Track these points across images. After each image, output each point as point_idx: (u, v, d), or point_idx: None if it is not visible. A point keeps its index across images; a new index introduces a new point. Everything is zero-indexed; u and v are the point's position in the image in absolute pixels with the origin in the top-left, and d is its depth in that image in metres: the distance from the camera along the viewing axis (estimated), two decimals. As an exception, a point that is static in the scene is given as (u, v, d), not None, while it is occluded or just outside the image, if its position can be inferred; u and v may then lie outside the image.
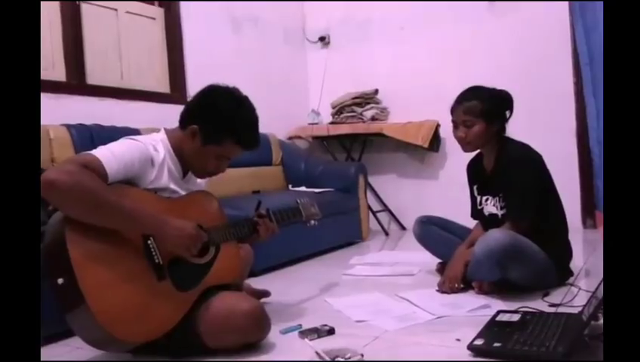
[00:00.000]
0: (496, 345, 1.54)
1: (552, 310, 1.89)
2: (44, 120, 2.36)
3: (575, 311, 1.75)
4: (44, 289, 1.34)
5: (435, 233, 2.63)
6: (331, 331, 1.81)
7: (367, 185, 4.13)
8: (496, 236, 2.11)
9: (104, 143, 1.58)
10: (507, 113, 2.32)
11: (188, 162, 1.77)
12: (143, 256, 1.54)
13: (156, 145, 1.68)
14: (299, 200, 2.15)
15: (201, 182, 1.91)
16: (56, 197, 1.41)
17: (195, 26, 3.68)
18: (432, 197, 4.23)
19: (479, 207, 2.43)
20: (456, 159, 4.11)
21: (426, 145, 4.08)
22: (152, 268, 1.54)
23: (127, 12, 3.35)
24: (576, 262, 2.47)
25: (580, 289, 2.10)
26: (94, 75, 3.12)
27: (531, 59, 3.88)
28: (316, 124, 4.53)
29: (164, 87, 3.56)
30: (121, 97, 3.19)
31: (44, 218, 1.70)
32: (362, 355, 1.51)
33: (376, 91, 4.44)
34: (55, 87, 2.85)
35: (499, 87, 2.35)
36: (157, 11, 3.55)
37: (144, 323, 1.50)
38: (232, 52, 3.98)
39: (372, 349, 1.64)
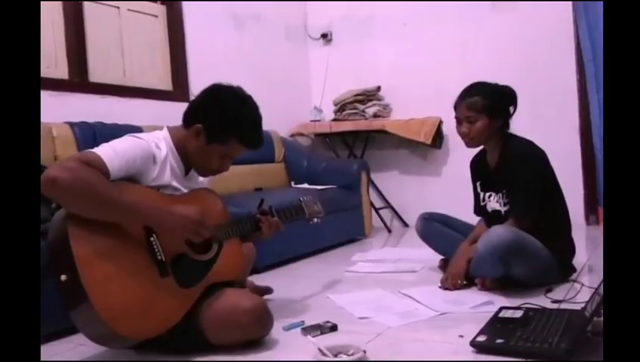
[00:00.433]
0: (498, 341, 1.54)
1: (555, 306, 1.89)
2: (47, 118, 2.37)
3: (578, 307, 1.74)
4: (47, 286, 1.35)
5: (437, 230, 2.63)
6: (334, 328, 1.81)
7: (370, 182, 4.13)
8: (499, 233, 2.11)
9: (107, 141, 1.59)
10: (511, 109, 2.32)
11: (191, 160, 1.77)
12: (145, 253, 1.54)
13: (159, 143, 1.68)
14: (302, 198, 2.15)
15: (203, 180, 1.91)
16: (58, 194, 1.42)
17: (197, 23, 3.67)
18: (435, 194, 4.22)
19: (482, 204, 2.43)
20: (459, 156, 4.11)
21: (428, 142, 4.08)
22: (155, 264, 1.55)
23: (129, 10, 3.35)
24: (579, 259, 2.46)
25: (582, 285, 2.10)
26: (97, 73, 3.12)
27: (534, 55, 3.87)
28: (318, 121, 4.53)
29: (166, 84, 3.56)
30: (124, 95, 3.19)
31: (47, 215, 1.71)
32: (365, 352, 1.50)
33: (379, 88, 4.44)
34: (57, 85, 2.85)
35: (502, 83, 2.35)
36: (159, 9, 3.55)
37: (147, 319, 1.51)
38: (234, 49, 3.98)
39: (375, 346, 1.64)
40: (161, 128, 1.79)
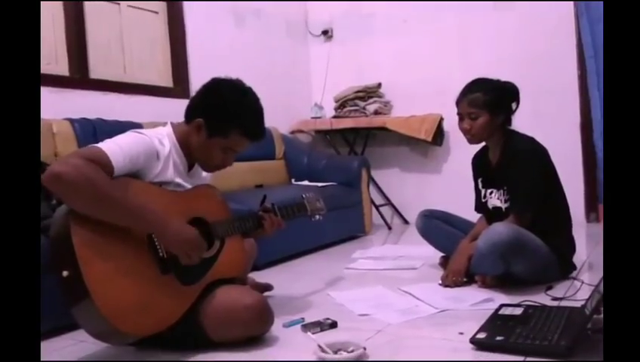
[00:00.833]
0: (498, 338, 1.54)
1: (555, 304, 1.90)
2: (47, 114, 2.37)
3: (578, 304, 1.74)
4: (47, 282, 1.35)
5: (438, 227, 2.63)
6: (334, 325, 1.81)
7: (370, 179, 4.13)
8: (500, 230, 2.11)
9: (107, 137, 1.58)
10: (513, 105, 2.32)
11: (194, 156, 1.77)
12: (147, 250, 1.54)
13: (162, 139, 1.68)
14: (304, 195, 2.15)
15: (206, 176, 1.91)
16: (61, 190, 1.41)
17: (197, 19, 3.67)
18: (435, 191, 4.22)
19: (483, 200, 2.43)
20: (460, 153, 4.11)
21: (429, 139, 4.08)
22: (157, 261, 1.55)
23: (130, 6, 3.35)
24: (579, 256, 2.46)
25: (582, 282, 2.10)
26: (97, 70, 3.12)
27: (535, 51, 3.86)
28: (319, 118, 4.52)
29: (166, 81, 3.56)
30: (124, 91, 3.19)
31: (47, 212, 1.71)
32: (365, 349, 1.51)
33: (380, 85, 4.43)
34: (58, 82, 2.85)
35: (503, 79, 2.35)
36: (160, 5, 3.54)
37: (148, 316, 1.51)
38: (235, 46, 3.97)
39: (374, 343, 1.64)
40: (162, 125, 1.78)
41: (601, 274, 1.62)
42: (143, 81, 3.38)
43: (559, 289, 2.09)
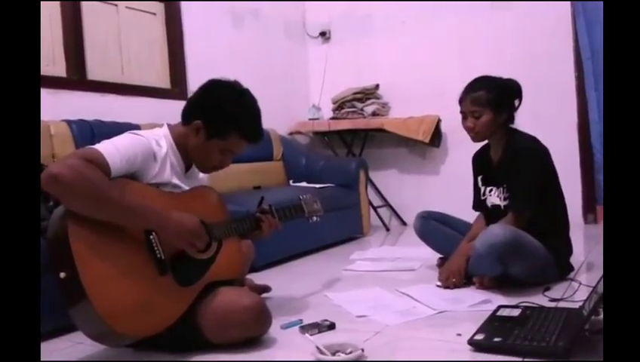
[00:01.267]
0: (496, 339, 1.54)
1: (553, 305, 1.90)
2: (45, 116, 2.37)
3: (576, 306, 1.75)
4: (45, 283, 1.34)
5: (435, 228, 2.63)
6: (332, 326, 1.81)
7: (368, 180, 4.13)
8: (497, 232, 2.11)
9: (105, 139, 1.58)
10: (516, 102, 2.32)
11: (192, 157, 1.77)
12: (145, 251, 1.54)
13: (159, 140, 1.68)
14: (302, 197, 2.15)
15: (203, 178, 1.91)
16: (58, 191, 1.42)
17: (195, 21, 3.67)
18: (433, 193, 4.23)
19: (482, 198, 2.43)
20: (458, 154, 4.12)
21: (427, 141, 4.08)
22: (154, 262, 1.55)
23: (128, 7, 3.35)
24: (577, 257, 2.47)
25: (580, 284, 2.10)
26: (95, 71, 3.11)
27: (533, 52, 3.87)
28: (317, 119, 4.52)
29: (164, 82, 3.56)
30: (122, 93, 3.18)
31: (45, 213, 1.71)
32: (363, 350, 1.51)
33: (377, 86, 4.43)
34: (55, 83, 2.84)
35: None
36: (157, 6, 3.54)
37: (145, 317, 1.51)
38: (233, 47, 3.97)
39: (373, 344, 1.64)
40: (160, 126, 1.79)
41: (598, 275, 1.63)
42: (141, 82, 3.37)
43: (557, 291, 2.09)
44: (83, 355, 1.70)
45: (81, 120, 2.72)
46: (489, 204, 2.39)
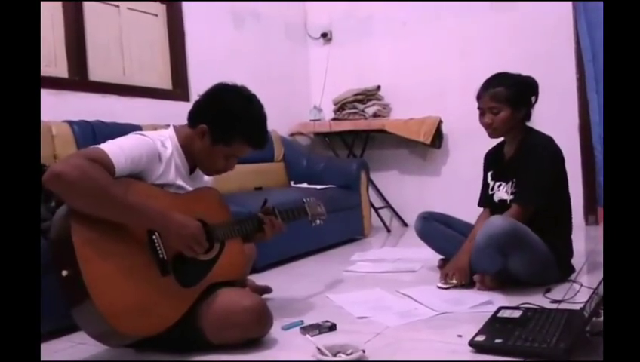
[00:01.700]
0: (497, 341, 1.54)
1: (554, 306, 1.89)
2: (46, 116, 2.37)
3: (577, 307, 1.74)
4: (45, 284, 1.35)
5: (436, 229, 2.63)
6: (333, 327, 1.81)
7: (369, 181, 4.13)
8: (497, 223, 2.12)
9: (106, 140, 1.59)
10: (532, 99, 2.33)
11: (197, 160, 1.78)
12: (147, 251, 1.54)
13: (164, 141, 1.69)
14: (305, 200, 2.15)
15: (207, 180, 1.92)
16: (62, 189, 1.42)
17: (197, 22, 3.67)
18: (434, 194, 4.22)
19: (490, 193, 2.44)
20: (459, 156, 4.13)
21: (428, 142, 4.08)
22: (157, 263, 1.55)
23: (129, 8, 3.35)
24: (578, 259, 2.46)
25: (581, 285, 2.10)
26: (96, 72, 3.12)
27: (534, 54, 3.86)
28: (318, 120, 4.53)
29: (166, 83, 3.56)
30: (123, 94, 3.19)
31: (46, 214, 1.71)
32: (364, 351, 1.51)
33: (379, 87, 4.44)
34: (57, 84, 2.85)
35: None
36: (159, 7, 3.54)
37: (147, 317, 1.51)
38: (234, 48, 3.98)
39: (373, 345, 1.64)
40: (161, 127, 1.79)
41: (599, 276, 1.63)
42: (142, 83, 3.38)
43: (558, 292, 2.09)
44: (84, 356, 1.70)
45: (83, 121, 2.72)
46: (496, 199, 2.39)
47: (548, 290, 2.11)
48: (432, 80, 4.22)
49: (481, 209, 2.55)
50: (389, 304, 2.11)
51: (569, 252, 2.35)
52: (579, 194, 3.81)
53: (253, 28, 4.20)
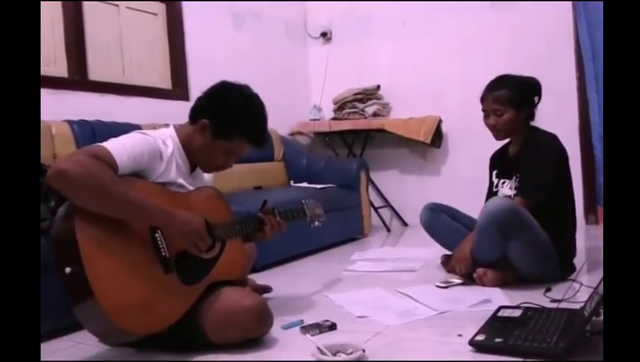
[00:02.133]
0: (497, 340, 1.54)
1: (554, 306, 1.90)
2: (46, 116, 2.37)
3: (577, 306, 1.75)
4: (46, 284, 1.35)
5: (442, 221, 2.61)
6: (333, 326, 1.81)
7: (369, 181, 4.13)
8: (497, 202, 2.15)
9: (106, 139, 1.59)
10: (535, 99, 2.35)
11: (196, 156, 1.78)
12: (150, 249, 1.54)
13: (165, 140, 1.70)
14: (304, 201, 2.16)
15: (208, 179, 1.92)
16: (66, 187, 1.42)
17: (196, 21, 3.67)
18: (434, 193, 4.19)
19: (495, 190, 2.45)
20: (459, 155, 4.12)
21: (428, 141, 4.08)
22: (159, 261, 1.55)
23: (129, 8, 3.35)
24: (579, 258, 2.46)
25: (581, 284, 2.10)
26: (96, 71, 3.11)
27: (534, 54, 3.86)
28: (318, 119, 4.52)
29: (165, 83, 3.56)
30: (123, 93, 3.19)
31: (46, 214, 1.71)
32: (364, 351, 1.51)
33: (378, 87, 4.44)
34: (57, 83, 2.84)
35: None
36: (159, 7, 3.54)
37: (149, 315, 1.51)
38: (234, 48, 3.98)
39: (373, 345, 1.64)
40: (161, 126, 1.79)
41: (599, 276, 1.63)
42: (142, 82, 3.37)
43: (558, 291, 2.09)
44: (84, 356, 1.70)
45: (83, 120, 2.72)
46: (500, 196, 2.40)
47: (548, 290, 2.11)
48: (431, 79, 4.21)
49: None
50: (389, 303, 2.11)
51: (572, 250, 2.35)
52: (579, 193, 3.80)
53: (253, 27, 4.20)
